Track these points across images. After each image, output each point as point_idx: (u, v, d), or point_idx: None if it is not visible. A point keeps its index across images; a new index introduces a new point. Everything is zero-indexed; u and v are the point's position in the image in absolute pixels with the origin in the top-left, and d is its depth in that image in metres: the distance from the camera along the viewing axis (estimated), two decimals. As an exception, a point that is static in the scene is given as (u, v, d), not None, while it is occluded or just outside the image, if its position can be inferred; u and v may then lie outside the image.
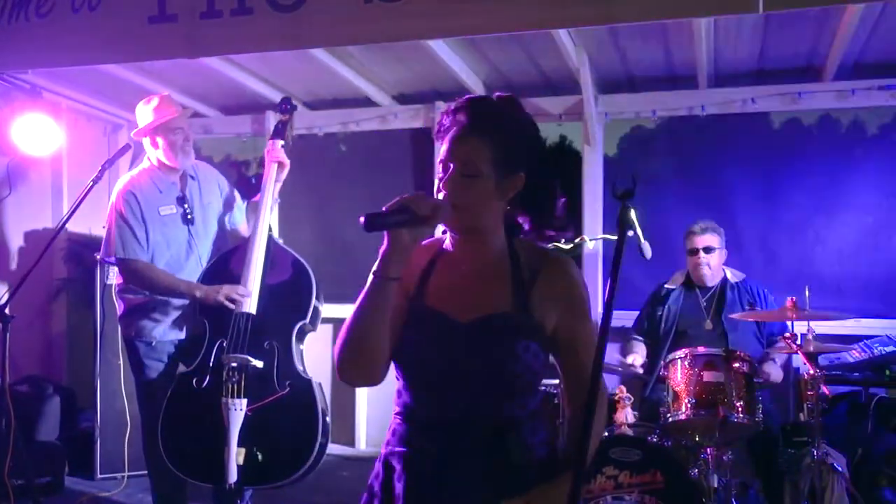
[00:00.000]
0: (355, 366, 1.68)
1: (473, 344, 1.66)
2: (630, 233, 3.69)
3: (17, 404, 4.52)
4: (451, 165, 1.66)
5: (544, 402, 1.86)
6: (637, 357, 4.07)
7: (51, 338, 5.35)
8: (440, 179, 1.68)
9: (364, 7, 2.72)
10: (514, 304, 1.69)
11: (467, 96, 1.72)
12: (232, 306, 3.42)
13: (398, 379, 1.76)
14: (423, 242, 1.75)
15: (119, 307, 3.75)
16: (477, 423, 1.67)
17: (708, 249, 4.06)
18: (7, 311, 3.48)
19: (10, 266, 4.91)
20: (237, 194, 3.89)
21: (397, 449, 1.75)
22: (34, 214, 5.02)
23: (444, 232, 1.77)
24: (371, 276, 1.62)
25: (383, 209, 1.57)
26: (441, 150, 1.69)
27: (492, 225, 1.73)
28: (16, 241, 4.99)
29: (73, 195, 4.99)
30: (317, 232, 5.61)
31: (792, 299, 3.42)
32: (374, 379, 1.71)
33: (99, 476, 4.70)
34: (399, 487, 1.71)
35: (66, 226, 5.06)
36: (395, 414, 1.78)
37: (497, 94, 1.74)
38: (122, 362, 4.47)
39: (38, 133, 4.55)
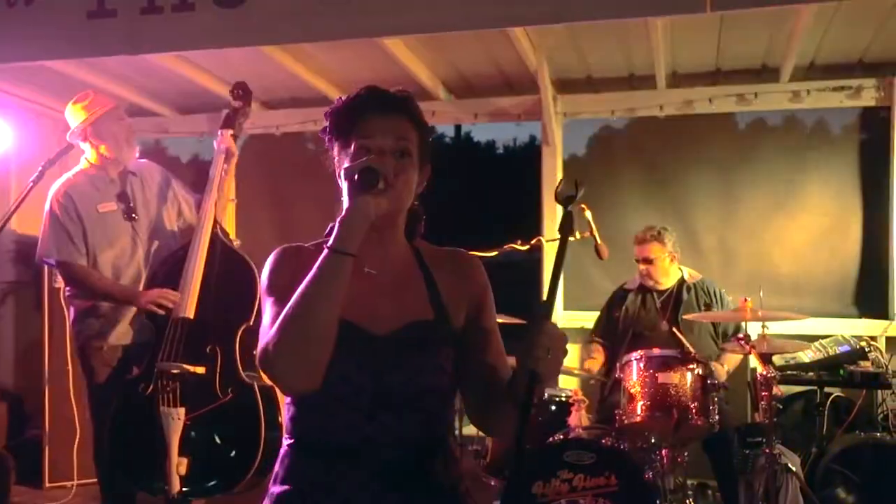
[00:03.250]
0: (303, 365, 1.41)
1: (393, 357, 1.50)
2: (586, 234, 3.71)
3: (-38, 411, 4.43)
4: (384, 143, 1.49)
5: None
6: (594, 362, 4.07)
7: (-2, 343, 5.21)
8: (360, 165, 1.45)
9: (309, 3, 2.66)
10: (434, 311, 1.57)
11: (367, 86, 1.56)
12: (160, 311, 3.32)
13: (293, 402, 1.56)
14: (307, 245, 1.59)
15: (69, 313, 3.66)
16: (394, 446, 1.51)
17: (647, 260, 4.08)
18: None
19: (-47, 269, 4.77)
20: (184, 191, 3.79)
21: (291, 488, 1.55)
22: (-20, 216, 4.87)
23: (326, 234, 1.51)
24: (326, 253, 1.41)
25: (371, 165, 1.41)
26: (353, 139, 1.51)
27: (402, 221, 1.60)
28: (-40, 244, 4.84)
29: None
30: (276, 233, 5.52)
31: (745, 299, 3.43)
32: (318, 381, 1.43)
33: (47, 485, 4.58)
34: None
35: (15, 228, 4.99)
36: (289, 445, 1.58)
37: (398, 89, 1.60)
38: (71, 368, 4.37)
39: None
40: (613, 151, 5.16)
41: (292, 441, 1.58)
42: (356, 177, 1.41)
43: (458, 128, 23.04)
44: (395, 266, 1.59)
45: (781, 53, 4.23)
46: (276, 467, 1.59)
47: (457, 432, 3.84)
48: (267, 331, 1.46)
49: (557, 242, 1.48)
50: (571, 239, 3.25)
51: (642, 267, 4.11)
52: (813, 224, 4.64)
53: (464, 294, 1.61)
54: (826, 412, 4.11)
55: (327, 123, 1.58)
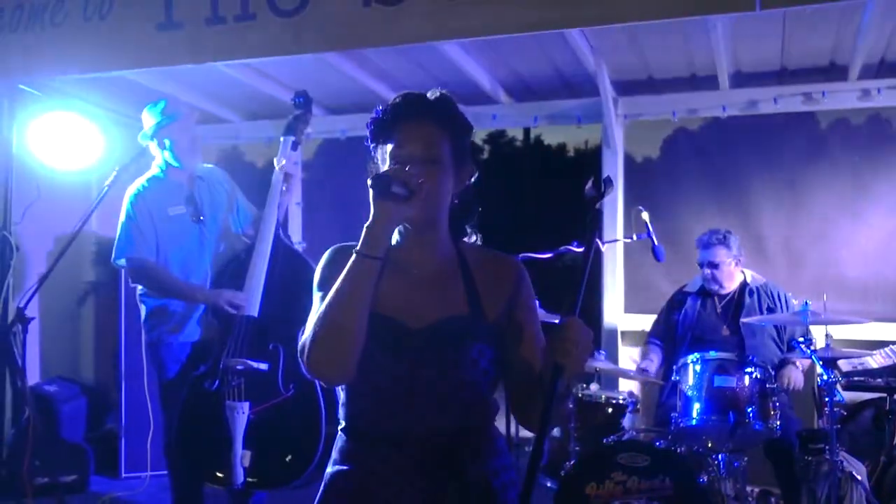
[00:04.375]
0: (333, 357, 1.57)
1: (427, 350, 1.59)
2: (644, 236, 3.70)
3: (46, 404, 4.68)
4: (412, 151, 1.59)
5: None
6: (651, 364, 4.04)
7: (79, 340, 5.47)
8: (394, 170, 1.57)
9: (363, 11, 2.74)
10: (470, 307, 1.64)
11: (403, 92, 1.66)
12: (233, 311, 3.45)
13: (344, 390, 1.69)
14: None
15: (142, 311, 3.82)
16: (430, 435, 1.61)
17: (712, 265, 4.01)
18: (28, 312, 3.59)
19: (40, 269, 5.02)
20: (244, 201, 3.93)
21: (343, 468, 1.68)
22: (64, 219, 5.11)
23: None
24: (354, 256, 1.55)
25: (385, 174, 1.53)
26: (388, 146, 1.62)
27: (443, 221, 1.68)
28: (46, 245, 5.11)
29: (104, 199, 5.12)
30: (341, 235, 5.63)
31: (807, 303, 3.35)
32: (350, 373, 1.59)
33: (123, 475, 4.81)
34: None
35: (95, 229, 5.26)
36: (341, 429, 1.72)
37: (435, 92, 1.69)
38: (145, 364, 4.56)
39: (68, 139, 4.67)
40: (680, 153, 5.10)
41: (343, 425, 1.71)
42: (370, 185, 1.51)
43: (526, 130, 23.03)
44: (437, 264, 1.68)
45: (849, 51, 4.11)
46: (333, 451, 1.73)
47: (513, 433, 3.87)
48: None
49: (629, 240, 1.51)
50: (628, 240, 3.27)
51: (707, 271, 4.05)
52: (884, 226, 4.49)
53: (503, 295, 1.68)
54: (897, 420, 3.98)
55: (368, 133, 1.68)
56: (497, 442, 1.72)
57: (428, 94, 1.67)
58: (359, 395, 1.66)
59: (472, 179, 1.73)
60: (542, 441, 1.42)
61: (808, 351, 3.27)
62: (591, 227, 1.50)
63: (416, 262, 1.68)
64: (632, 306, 4.89)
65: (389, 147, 1.62)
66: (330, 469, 1.71)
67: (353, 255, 1.55)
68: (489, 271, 1.70)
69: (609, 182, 1.48)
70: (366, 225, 1.55)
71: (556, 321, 1.43)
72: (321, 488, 1.72)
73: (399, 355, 1.60)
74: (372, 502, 1.63)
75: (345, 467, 1.68)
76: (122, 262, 3.66)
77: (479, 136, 1.75)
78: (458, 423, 1.62)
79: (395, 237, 1.68)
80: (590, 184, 1.50)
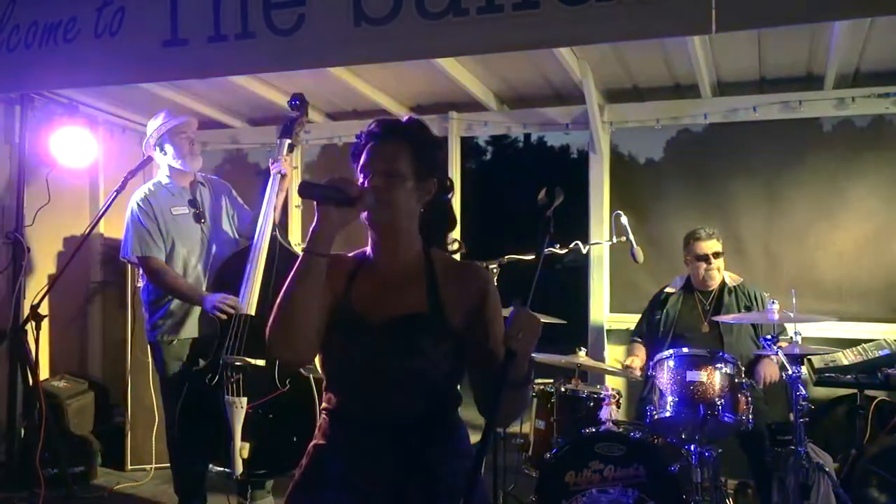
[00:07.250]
0: (287, 341, 1.76)
1: (384, 342, 1.79)
2: (622, 239, 3.89)
3: (56, 399, 4.87)
4: (374, 166, 1.81)
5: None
6: (636, 359, 4.21)
7: (87, 337, 5.66)
8: (363, 183, 1.81)
9: (353, 30, 2.93)
10: (428, 305, 1.82)
11: (379, 118, 1.89)
12: (223, 316, 3.62)
13: (324, 376, 1.91)
14: (349, 254, 1.93)
15: (144, 309, 4.01)
16: (391, 418, 1.79)
17: (717, 255, 4.18)
18: (40, 310, 3.79)
19: (49, 270, 5.23)
20: (239, 206, 4.10)
21: (321, 443, 1.90)
22: (72, 221, 5.33)
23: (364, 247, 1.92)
24: (301, 253, 1.75)
25: (319, 182, 1.73)
26: (361, 160, 1.84)
27: (407, 226, 1.87)
28: (55, 247, 5.31)
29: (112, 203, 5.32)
30: (338, 236, 5.82)
31: (776, 302, 3.53)
32: (304, 356, 1.83)
33: (129, 468, 5.00)
34: (320, 478, 1.86)
35: (102, 232, 5.46)
36: (322, 410, 1.95)
37: (407, 117, 1.93)
38: (150, 360, 4.75)
39: (76, 145, 4.88)
40: (664, 158, 5.27)
41: (324, 406, 1.93)
42: (297, 192, 1.74)
43: (528, 133, 23.25)
44: (404, 266, 1.88)
45: (823, 62, 4.30)
46: (316, 430, 1.95)
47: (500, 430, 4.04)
48: None
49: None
50: (610, 243, 3.53)
51: (705, 264, 4.16)
52: (858, 229, 4.67)
53: (465, 298, 1.85)
54: (870, 416, 4.16)
55: (351, 152, 1.90)
56: (457, 430, 1.90)
57: (402, 118, 1.90)
58: (334, 381, 1.88)
59: (449, 196, 1.93)
60: (493, 424, 1.62)
61: (776, 347, 3.45)
62: (542, 233, 1.69)
63: (384, 265, 1.88)
64: (617, 306, 5.08)
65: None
66: (312, 444, 1.94)
67: (302, 253, 1.75)
68: (455, 279, 1.87)
69: (558, 191, 1.67)
70: (311, 228, 1.74)
71: (509, 314, 1.62)
72: (304, 460, 1.93)
73: (363, 346, 1.80)
74: (340, 474, 1.84)
75: (322, 443, 1.90)
76: (133, 258, 3.84)
77: (481, 138, 1.98)
78: (414, 407, 1.81)
79: (369, 247, 1.91)
80: (542, 193, 1.69)
